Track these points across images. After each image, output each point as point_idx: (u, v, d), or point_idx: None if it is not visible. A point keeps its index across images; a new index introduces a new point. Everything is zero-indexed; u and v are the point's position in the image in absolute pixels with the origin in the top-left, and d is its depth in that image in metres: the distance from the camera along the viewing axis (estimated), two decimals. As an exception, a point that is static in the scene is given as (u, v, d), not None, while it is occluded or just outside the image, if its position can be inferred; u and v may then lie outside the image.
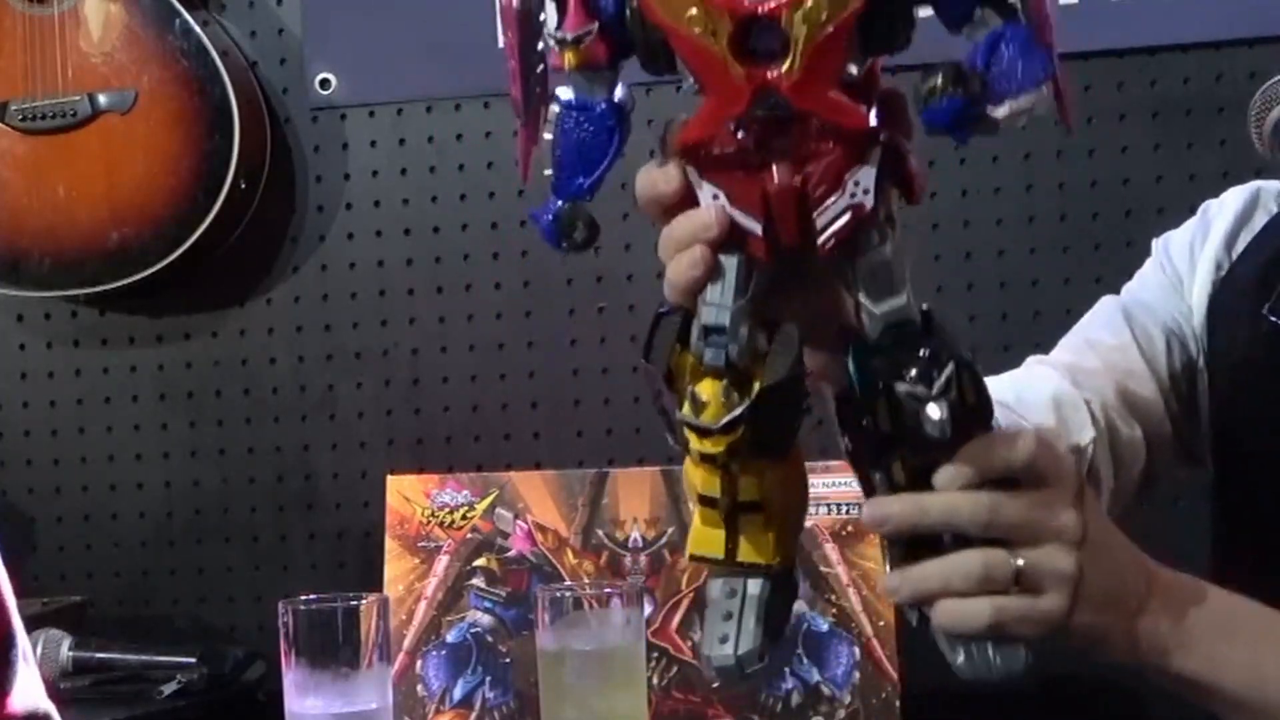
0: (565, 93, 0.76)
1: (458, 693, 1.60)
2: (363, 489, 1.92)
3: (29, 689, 1.03)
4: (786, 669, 1.55)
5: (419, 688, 1.60)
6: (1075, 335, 1.19)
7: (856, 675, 1.55)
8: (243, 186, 1.85)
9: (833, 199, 0.73)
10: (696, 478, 0.79)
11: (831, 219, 0.73)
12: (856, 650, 1.56)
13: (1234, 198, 1.19)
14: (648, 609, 1.55)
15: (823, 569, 1.57)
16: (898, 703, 1.54)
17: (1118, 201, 1.78)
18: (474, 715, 1.60)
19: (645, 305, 1.80)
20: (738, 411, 0.75)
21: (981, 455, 0.76)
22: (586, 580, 1.60)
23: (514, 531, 1.64)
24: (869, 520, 0.79)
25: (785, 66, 0.70)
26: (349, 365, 1.96)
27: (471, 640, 1.62)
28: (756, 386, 0.75)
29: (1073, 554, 0.79)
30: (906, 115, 0.74)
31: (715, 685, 1.55)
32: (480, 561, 1.63)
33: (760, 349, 0.77)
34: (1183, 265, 1.19)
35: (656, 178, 0.77)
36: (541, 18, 0.75)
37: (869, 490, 0.79)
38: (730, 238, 0.75)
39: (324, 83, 1.93)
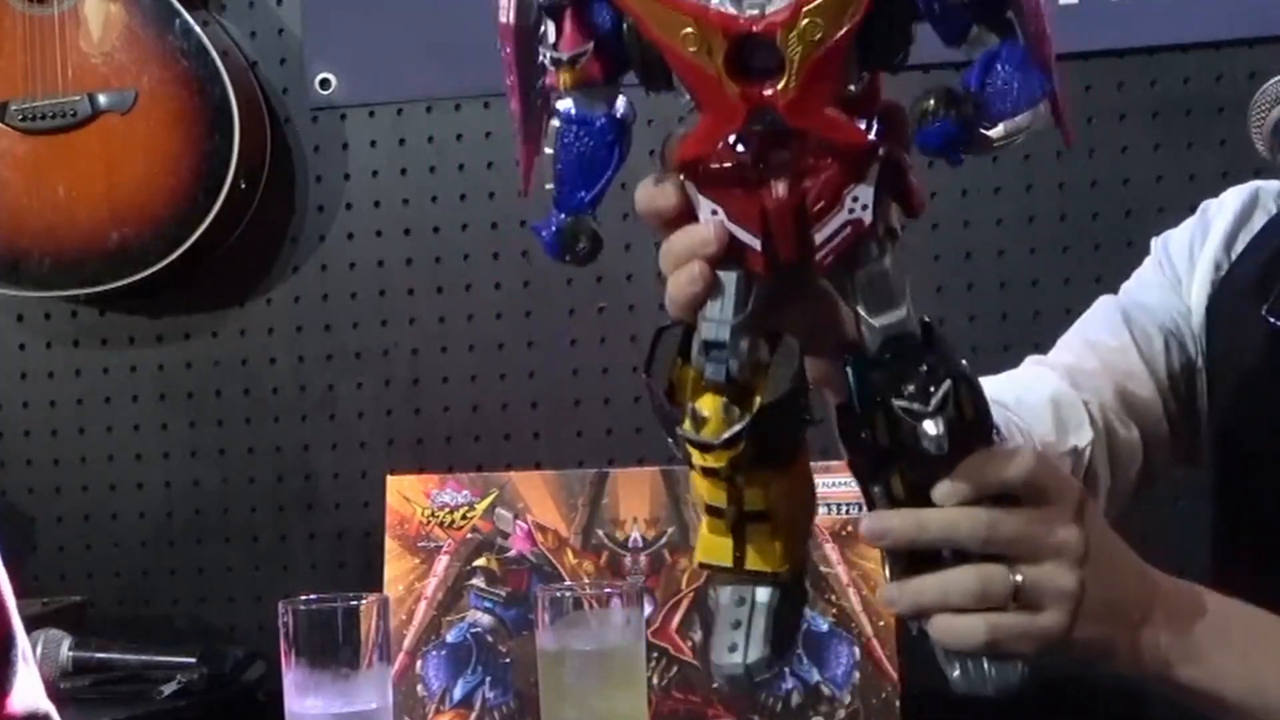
0: (565, 106, 0.75)
1: (458, 693, 1.60)
2: (363, 489, 1.92)
3: (29, 689, 1.02)
4: (787, 669, 1.55)
5: (419, 688, 1.60)
6: (1074, 335, 1.19)
7: (856, 675, 1.55)
8: (243, 186, 1.85)
9: (831, 214, 0.72)
10: (702, 488, 0.79)
11: (830, 234, 0.73)
12: (856, 650, 1.56)
13: (1233, 198, 1.19)
14: (648, 609, 1.55)
15: (823, 569, 1.57)
16: (898, 703, 1.54)
17: (1118, 201, 1.78)
18: (474, 715, 1.59)
19: (645, 305, 1.84)
20: (738, 427, 0.74)
21: (979, 471, 0.76)
22: (586, 580, 1.60)
23: (514, 531, 1.64)
24: (868, 533, 0.79)
25: (781, 85, 0.69)
26: (349, 365, 1.96)
27: (471, 640, 1.61)
28: (757, 401, 0.75)
29: (1074, 570, 0.78)
30: (906, 129, 0.74)
31: (716, 686, 1.55)
32: (480, 561, 1.63)
33: (762, 361, 0.76)
34: (1182, 265, 1.18)
35: (655, 194, 0.76)
36: (541, 31, 0.75)
37: (870, 503, 0.79)
38: (729, 253, 0.74)
39: (324, 83, 1.93)
